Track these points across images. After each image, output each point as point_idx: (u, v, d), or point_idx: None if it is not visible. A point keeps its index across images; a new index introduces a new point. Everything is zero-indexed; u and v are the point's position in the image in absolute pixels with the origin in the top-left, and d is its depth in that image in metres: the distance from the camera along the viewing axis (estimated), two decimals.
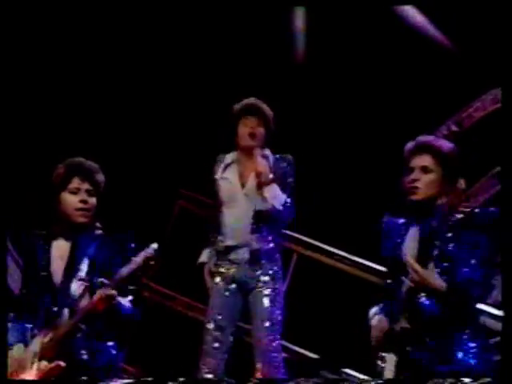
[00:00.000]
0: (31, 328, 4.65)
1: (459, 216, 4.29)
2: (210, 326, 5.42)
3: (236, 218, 5.40)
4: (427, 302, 4.24)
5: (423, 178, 4.25)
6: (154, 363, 6.47)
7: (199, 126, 6.73)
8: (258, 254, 5.42)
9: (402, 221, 4.42)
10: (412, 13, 6.81)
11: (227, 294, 5.45)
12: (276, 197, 5.33)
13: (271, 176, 5.32)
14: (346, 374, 5.99)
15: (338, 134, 6.76)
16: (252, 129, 5.44)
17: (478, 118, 6.93)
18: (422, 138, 4.37)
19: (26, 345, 4.57)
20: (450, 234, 4.22)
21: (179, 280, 6.87)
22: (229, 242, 5.45)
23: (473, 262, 4.21)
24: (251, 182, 5.42)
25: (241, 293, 5.48)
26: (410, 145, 4.37)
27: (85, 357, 4.51)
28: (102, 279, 4.49)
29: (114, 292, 4.38)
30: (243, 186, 5.42)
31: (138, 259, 4.44)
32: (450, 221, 4.25)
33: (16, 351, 4.55)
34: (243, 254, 5.44)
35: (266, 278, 5.45)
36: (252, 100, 5.62)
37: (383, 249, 4.51)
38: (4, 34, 5.17)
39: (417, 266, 4.16)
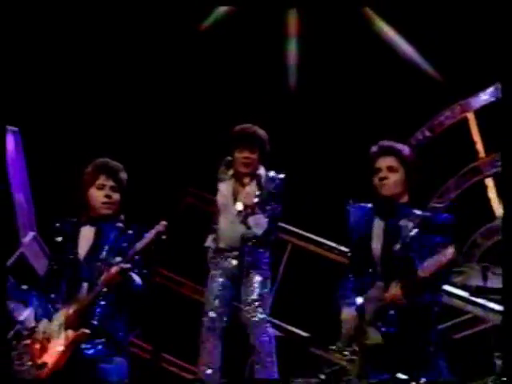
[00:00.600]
0: (55, 303, 4.98)
1: (418, 212, 4.60)
2: (207, 309, 5.85)
3: (228, 226, 5.82)
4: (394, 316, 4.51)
5: (391, 177, 4.61)
6: (165, 341, 6.69)
7: (207, 128, 7.17)
8: (247, 264, 5.82)
9: (367, 207, 4.75)
10: (400, 43, 7.35)
11: (221, 280, 5.86)
12: (258, 225, 5.74)
13: (256, 201, 5.73)
14: None
15: (328, 144, 7.20)
16: (246, 159, 5.81)
17: (447, 125, 7.60)
18: (386, 142, 4.71)
19: (50, 319, 4.90)
20: (411, 232, 4.56)
21: (187, 267, 7.27)
22: (221, 245, 5.88)
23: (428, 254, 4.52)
24: (240, 204, 5.83)
25: (233, 283, 5.89)
26: (374, 148, 4.70)
27: (101, 325, 4.83)
28: (118, 258, 4.80)
29: (128, 265, 4.72)
30: (235, 201, 5.84)
31: (150, 234, 4.75)
32: (412, 219, 4.57)
33: (42, 325, 4.90)
34: (232, 261, 5.86)
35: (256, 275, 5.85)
36: (248, 127, 5.93)
37: (351, 239, 4.85)
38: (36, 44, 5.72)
39: (393, 293, 4.40)
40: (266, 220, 5.77)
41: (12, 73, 6.90)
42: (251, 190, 5.81)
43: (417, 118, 7.53)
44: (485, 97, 7.67)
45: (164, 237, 4.79)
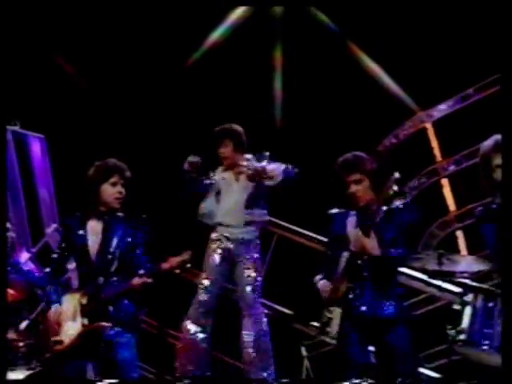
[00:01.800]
0: (62, 287, 5.20)
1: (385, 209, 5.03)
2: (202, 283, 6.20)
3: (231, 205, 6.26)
4: (365, 266, 5.00)
5: (359, 189, 5.07)
6: (167, 316, 7.03)
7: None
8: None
9: (343, 211, 5.17)
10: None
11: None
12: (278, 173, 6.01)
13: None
14: None
15: (313, 147, 7.54)
16: (221, 153, 6.24)
17: (409, 133, 8.14)
18: (349, 157, 5.12)
19: (61, 304, 5.12)
20: (381, 221, 5.04)
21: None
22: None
23: (397, 240, 5.05)
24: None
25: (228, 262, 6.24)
26: (339, 163, 5.12)
27: (113, 312, 5.05)
28: (142, 271, 5.01)
29: (150, 280, 5.01)
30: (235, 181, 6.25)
31: (176, 260, 5.00)
32: (381, 214, 5.02)
33: (54, 307, 5.10)
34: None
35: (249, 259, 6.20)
36: (217, 128, 6.24)
37: (330, 230, 5.24)
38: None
39: (361, 236, 4.93)
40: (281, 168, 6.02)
41: (36, 91, 7.40)
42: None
43: (385, 129, 8.06)
44: (441, 109, 8.02)
45: (189, 265, 5.06)
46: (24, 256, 7.21)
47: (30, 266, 7.23)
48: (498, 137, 4.74)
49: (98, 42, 7.93)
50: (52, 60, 7.62)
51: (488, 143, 4.78)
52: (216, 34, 8.06)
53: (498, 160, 4.68)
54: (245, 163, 6.13)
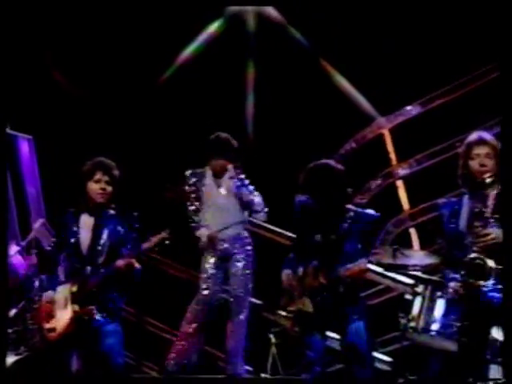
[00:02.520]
0: (57, 276, 5.35)
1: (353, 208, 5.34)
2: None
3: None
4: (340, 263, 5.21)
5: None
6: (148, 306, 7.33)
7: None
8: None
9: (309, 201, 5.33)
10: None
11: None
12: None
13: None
14: None
15: (284, 157, 7.70)
16: (215, 168, 6.49)
17: (368, 139, 8.29)
18: (320, 163, 5.43)
19: (55, 290, 5.30)
20: (345, 223, 5.36)
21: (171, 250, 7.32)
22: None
23: (354, 239, 5.35)
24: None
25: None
26: (306, 175, 5.40)
27: (100, 301, 5.25)
28: (125, 249, 5.16)
29: (134, 261, 5.18)
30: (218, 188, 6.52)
31: (156, 238, 5.17)
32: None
33: (47, 295, 5.30)
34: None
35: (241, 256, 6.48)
36: (216, 139, 6.44)
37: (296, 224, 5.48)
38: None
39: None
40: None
41: (26, 93, 7.49)
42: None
43: (345, 134, 8.28)
44: (397, 117, 8.23)
45: (167, 242, 5.22)
46: (13, 249, 7.35)
47: (19, 258, 7.42)
48: (482, 133, 5.09)
49: (81, 49, 8.01)
50: (44, 67, 7.78)
51: (473, 136, 5.06)
52: (188, 51, 8.08)
53: (478, 150, 4.95)
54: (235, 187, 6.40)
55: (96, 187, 5.34)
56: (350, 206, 5.46)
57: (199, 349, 6.62)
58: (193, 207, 6.63)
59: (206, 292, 6.56)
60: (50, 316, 5.28)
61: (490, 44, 7.28)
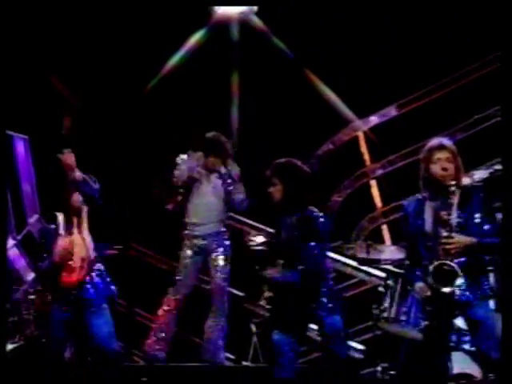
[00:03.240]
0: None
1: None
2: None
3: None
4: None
5: (275, 190, 5.59)
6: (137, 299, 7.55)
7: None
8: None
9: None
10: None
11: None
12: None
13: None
14: None
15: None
16: (206, 164, 6.71)
17: (345, 140, 8.51)
18: (278, 163, 5.60)
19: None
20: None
21: (156, 243, 8.11)
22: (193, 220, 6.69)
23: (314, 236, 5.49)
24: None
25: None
26: (270, 170, 5.58)
27: (91, 288, 5.54)
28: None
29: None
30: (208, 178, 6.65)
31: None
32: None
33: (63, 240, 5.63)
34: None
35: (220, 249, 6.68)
36: (211, 137, 6.66)
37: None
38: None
39: None
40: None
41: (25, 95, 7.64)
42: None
43: (323, 137, 8.51)
44: (372, 120, 8.43)
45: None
46: (9, 243, 7.51)
47: (15, 251, 7.69)
48: (442, 139, 5.16)
49: (74, 54, 8.15)
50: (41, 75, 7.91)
51: (434, 141, 5.09)
52: (173, 60, 8.11)
53: (439, 154, 4.98)
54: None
55: (78, 198, 5.70)
56: (311, 208, 5.58)
57: (172, 335, 6.79)
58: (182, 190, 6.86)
59: (179, 277, 6.77)
60: (70, 254, 5.59)
61: (460, 51, 7.76)
